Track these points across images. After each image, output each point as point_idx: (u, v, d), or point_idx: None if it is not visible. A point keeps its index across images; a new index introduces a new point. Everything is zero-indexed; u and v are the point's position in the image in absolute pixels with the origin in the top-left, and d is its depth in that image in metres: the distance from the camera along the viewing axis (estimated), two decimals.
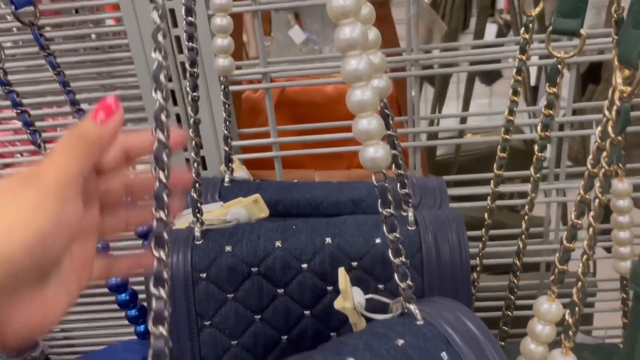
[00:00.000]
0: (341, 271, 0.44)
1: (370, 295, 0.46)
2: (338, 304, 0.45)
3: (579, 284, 0.42)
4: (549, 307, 0.44)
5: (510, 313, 0.63)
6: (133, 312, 0.59)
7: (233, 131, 0.72)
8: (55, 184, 0.29)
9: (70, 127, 0.33)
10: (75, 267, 0.32)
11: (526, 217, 0.58)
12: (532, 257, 0.75)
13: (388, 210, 0.40)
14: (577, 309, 0.42)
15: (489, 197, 0.61)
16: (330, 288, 0.50)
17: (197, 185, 0.50)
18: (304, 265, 0.50)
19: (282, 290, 0.50)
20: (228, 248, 0.50)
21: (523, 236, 0.59)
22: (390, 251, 0.42)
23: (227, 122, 0.58)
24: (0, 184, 0.29)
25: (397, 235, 0.41)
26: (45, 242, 0.28)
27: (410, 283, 0.41)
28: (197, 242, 0.50)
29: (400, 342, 0.39)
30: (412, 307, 0.41)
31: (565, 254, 0.42)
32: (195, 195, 0.50)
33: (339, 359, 0.38)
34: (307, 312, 0.49)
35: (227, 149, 0.59)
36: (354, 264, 0.49)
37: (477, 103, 2.21)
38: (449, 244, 0.49)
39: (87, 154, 0.32)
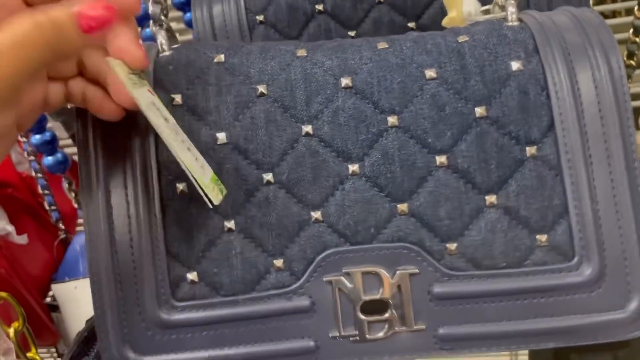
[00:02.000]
0: None
1: (487, 7, 0.37)
2: (445, 19, 0.38)
3: None
4: None
5: None
6: None
7: None
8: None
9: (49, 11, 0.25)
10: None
11: None
12: None
13: None
14: None
15: None
16: (412, 24, 0.42)
17: None
18: None
19: (354, 32, 0.43)
20: None
21: None
22: None
23: None
24: None
25: None
26: None
27: None
28: None
29: (463, 39, 0.32)
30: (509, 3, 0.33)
31: None
32: None
33: (370, 44, 0.33)
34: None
35: None
36: None
37: None
38: None
39: (51, 59, 0.26)
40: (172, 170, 0.31)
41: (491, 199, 0.31)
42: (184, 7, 0.53)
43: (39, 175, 0.59)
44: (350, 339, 0.31)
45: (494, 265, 0.31)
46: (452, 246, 0.31)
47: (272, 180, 0.31)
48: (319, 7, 0.44)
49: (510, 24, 0.33)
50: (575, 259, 0.30)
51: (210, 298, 0.31)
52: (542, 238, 0.30)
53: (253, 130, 0.31)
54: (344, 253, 0.31)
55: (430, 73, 0.31)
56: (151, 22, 0.34)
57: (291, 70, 0.32)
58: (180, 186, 0.31)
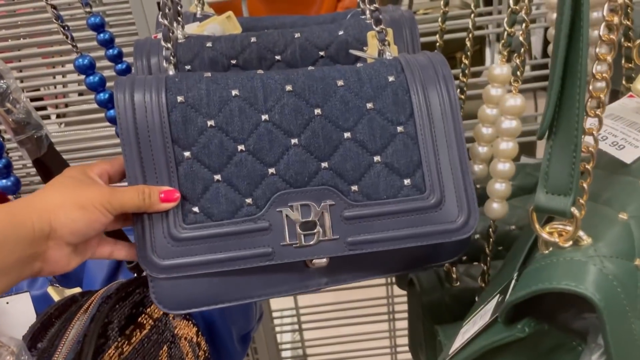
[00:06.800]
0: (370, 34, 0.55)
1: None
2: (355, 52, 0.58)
3: (524, 24, 0.49)
4: (500, 70, 0.52)
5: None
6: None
7: None
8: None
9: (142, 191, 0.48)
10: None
11: None
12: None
13: None
14: (522, 50, 0.49)
15: None
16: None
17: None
18: (277, 57, 0.60)
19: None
20: (209, 44, 0.60)
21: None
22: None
23: None
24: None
25: (377, 6, 0.51)
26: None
27: (384, 28, 0.52)
28: (180, 41, 0.60)
29: (359, 65, 0.52)
30: (385, 47, 0.53)
31: (512, 17, 0.48)
32: None
33: (304, 68, 0.52)
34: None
35: None
36: (322, 53, 0.59)
37: None
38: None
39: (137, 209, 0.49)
40: (180, 143, 0.49)
41: (377, 157, 0.51)
42: (116, 60, 0.64)
43: None
44: (293, 246, 0.50)
45: (379, 197, 0.51)
46: (355, 187, 0.51)
47: (244, 149, 0.50)
48: (233, 61, 0.59)
49: (388, 57, 0.53)
50: (426, 192, 0.50)
51: (206, 222, 0.50)
52: (408, 180, 0.51)
53: (231, 118, 0.50)
54: (289, 194, 0.50)
55: (340, 82, 0.51)
56: (164, 60, 0.53)
57: (254, 81, 0.51)
58: (186, 154, 0.49)
